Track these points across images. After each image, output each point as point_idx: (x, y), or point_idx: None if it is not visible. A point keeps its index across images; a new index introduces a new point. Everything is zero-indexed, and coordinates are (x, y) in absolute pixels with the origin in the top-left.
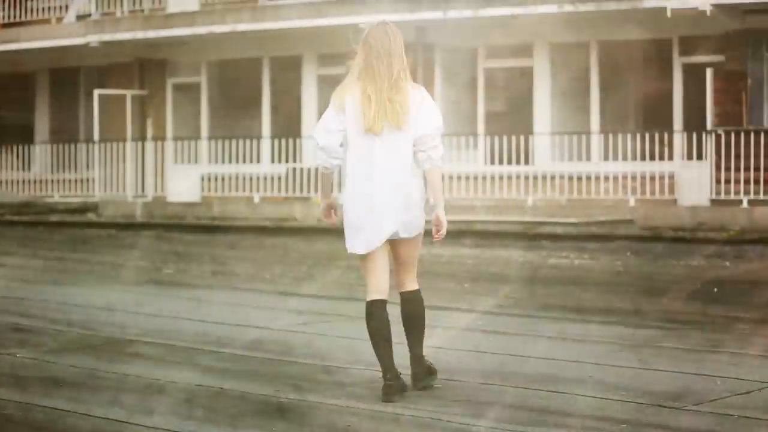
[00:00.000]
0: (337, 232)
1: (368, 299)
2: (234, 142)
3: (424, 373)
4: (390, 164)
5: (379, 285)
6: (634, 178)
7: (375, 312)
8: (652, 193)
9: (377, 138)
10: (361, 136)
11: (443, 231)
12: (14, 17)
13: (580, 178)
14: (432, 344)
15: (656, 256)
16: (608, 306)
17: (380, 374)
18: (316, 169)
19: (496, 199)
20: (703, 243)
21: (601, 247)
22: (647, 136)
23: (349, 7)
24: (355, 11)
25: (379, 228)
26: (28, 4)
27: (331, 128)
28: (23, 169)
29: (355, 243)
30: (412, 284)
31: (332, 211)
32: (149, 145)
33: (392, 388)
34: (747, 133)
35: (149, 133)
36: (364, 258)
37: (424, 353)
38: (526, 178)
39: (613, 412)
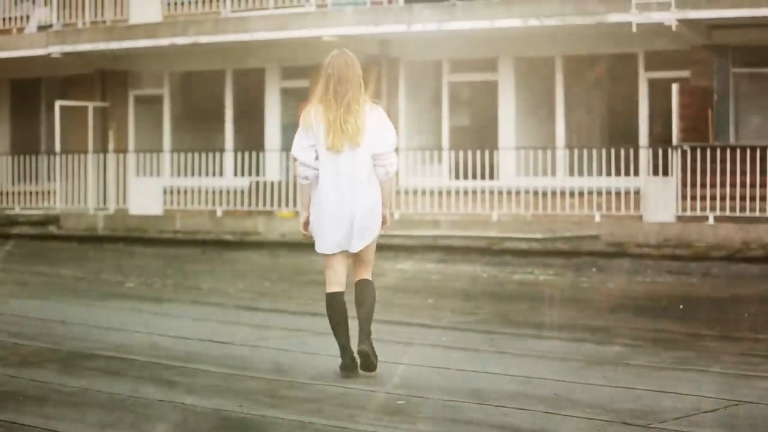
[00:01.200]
0: (300, 246)
1: (328, 291)
2: (197, 154)
3: (370, 352)
4: (351, 177)
5: (338, 279)
6: (599, 193)
7: (334, 301)
8: (618, 208)
9: (340, 155)
10: (326, 152)
11: (388, 224)
12: None
13: (545, 194)
14: (394, 360)
15: (622, 273)
16: (573, 322)
17: (341, 390)
18: (279, 183)
19: (461, 214)
20: (669, 259)
21: (566, 263)
22: (613, 151)
23: (312, 20)
24: (319, 24)
25: (343, 236)
26: None
27: (304, 145)
28: None
29: (324, 245)
30: (368, 274)
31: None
32: (111, 158)
33: (349, 366)
34: (713, 149)
35: (111, 145)
36: (327, 257)
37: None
38: (491, 192)
39: (577, 430)
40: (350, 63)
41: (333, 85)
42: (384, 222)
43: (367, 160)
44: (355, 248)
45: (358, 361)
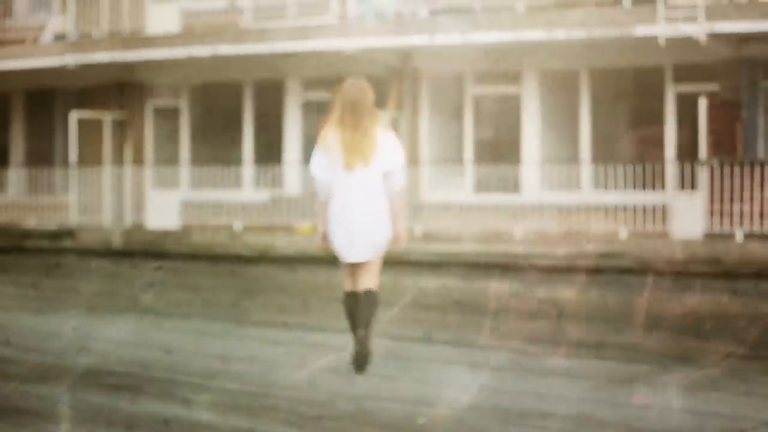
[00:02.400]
0: (319, 261)
1: (346, 291)
2: (215, 168)
3: (364, 353)
4: (364, 192)
5: (353, 282)
6: (625, 209)
7: (349, 299)
8: (644, 224)
9: (353, 172)
10: (342, 170)
11: (401, 243)
12: None
13: (570, 209)
14: (417, 377)
15: (648, 290)
16: (598, 340)
17: (359, 408)
18: (298, 198)
19: (484, 230)
20: (696, 276)
21: (591, 280)
22: (639, 166)
23: (334, 32)
24: (341, 36)
25: (355, 247)
26: (3, 23)
27: (323, 165)
28: None
29: (344, 254)
30: (372, 284)
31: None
32: (127, 170)
33: (360, 355)
34: (741, 164)
35: (127, 157)
36: (345, 264)
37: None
38: (515, 207)
39: None
40: (364, 90)
41: (348, 110)
42: (399, 238)
43: (378, 178)
44: (364, 257)
45: (355, 357)
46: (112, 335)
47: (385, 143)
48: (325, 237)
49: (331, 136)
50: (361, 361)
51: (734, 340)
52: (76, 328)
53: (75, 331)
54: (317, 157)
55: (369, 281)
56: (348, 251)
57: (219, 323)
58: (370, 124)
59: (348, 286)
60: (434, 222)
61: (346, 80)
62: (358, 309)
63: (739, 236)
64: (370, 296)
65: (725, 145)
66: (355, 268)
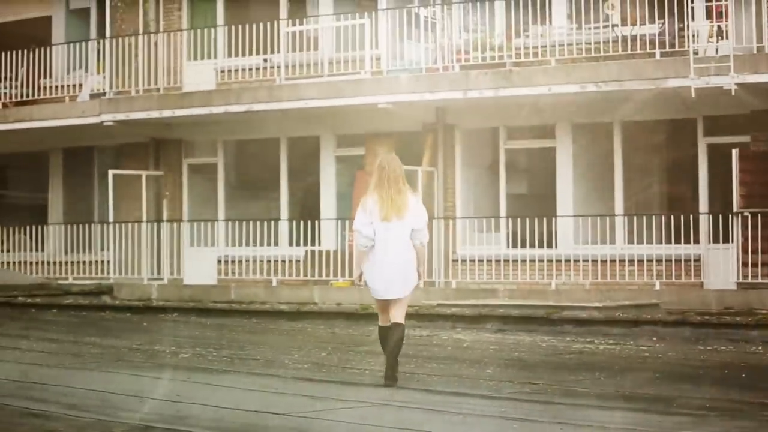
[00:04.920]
0: (356, 316)
1: (380, 325)
2: (251, 224)
3: (393, 374)
4: (397, 241)
5: (386, 317)
6: (659, 261)
7: (383, 330)
8: (678, 276)
9: (389, 224)
10: (380, 223)
11: (421, 280)
12: (27, 95)
13: (604, 262)
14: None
15: (682, 341)
16: (634, 392)
17: None
18: (335, 252)
19: (519, 283)
20: (731, 327)
21: (626, 332)
22: (672, 218)
23: (368, 87)
24: (375, 91)
25: (390, 287)
26: (41, 82)
27: (365, 221)
28: (37, 249)
29: (376, 292)
30: (400, 319)
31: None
32: (165, 227)
33: (390, 377)
34: None
35: (165, 214)
36: (378, 300)
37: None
38: (549, 261)
39: None
40: (397, 161)
41: (386, 175)
42: (418, 277)
43: (408, 231)
44: (397, 295)
45: (386, 376)
46: (150, 391)
47: (414, 204)
48: (361, 277)
49: (370, 198)
50: (390, 380)
51: None
52: (116, 383)
53: (115, 387)
54: (360, 216)
55: (398, 316)
56: (384, 290)
57: (257, 378)
58: (403, 187)
59: (381, 321)
60: (469, 276)
61: (383, 154)
62: (390, 339)
63: None
64: (399, 329)
65: (757, 196)
66: (387, 304)
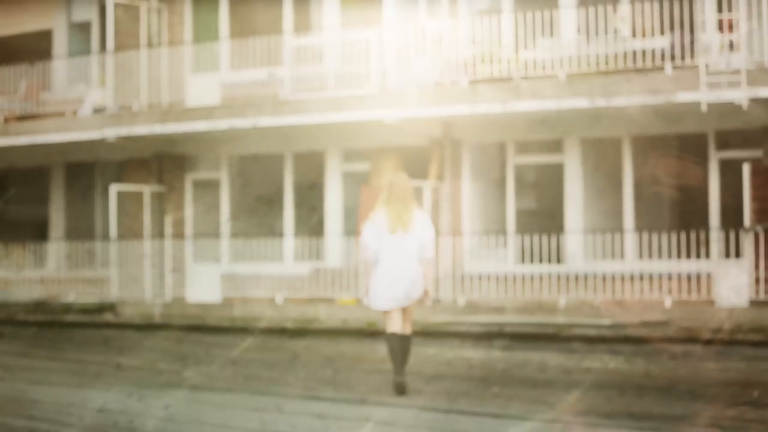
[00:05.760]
0: (361, 334)
1: (388, 332)
2: (256, 240)
3: (403, 382)
4: (403, 253)
5: (394, 324)
6: (669, 277)
7: (391, 338)
8: (689, 293)
9: (395, 237)
10: (387, 236)
11: (429, 299)
12: (29, 110)
13: (613, 278)
14: None
15: (694, 359)
16: (645, 411)
17: None
18: (339, 269)
19: (527, 300)
20: (743, 345)
21: (636, 350)
22: (683, 234)
23: (374, 102)
24: (381, 106)
25: (395, 296)
26: (43, 97)
27: (373, 235)
28: (37, 266)
29: (384, 303)
30: (407, 329)
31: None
32: (168, 243)
33: (400, 385)
34: None
35: (168, 230)
36: (385, 311)
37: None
38: (558, 277)
39: None
40: (406, 181)
41: (395, 193)
42: (426, 294)
43: (415, 245)
44: (403, 304)
45: (395, 384)
46: (153, 409)
47: (421, 221)
48: (367, 291)
49: (380, 213)
50: (399, 387)
51: None
52: (118, 402)
53: (116, 406)
54: (368, 230)
55: (406, 326)
56: (391, 298)
57: (261, 397)
58: (411, 203)
59: (389, 329)
60: (477, 293)
61: (394, 175)
62: (397, 346)
63: None
64: (406, 338)
65: None
66: (394, 313)
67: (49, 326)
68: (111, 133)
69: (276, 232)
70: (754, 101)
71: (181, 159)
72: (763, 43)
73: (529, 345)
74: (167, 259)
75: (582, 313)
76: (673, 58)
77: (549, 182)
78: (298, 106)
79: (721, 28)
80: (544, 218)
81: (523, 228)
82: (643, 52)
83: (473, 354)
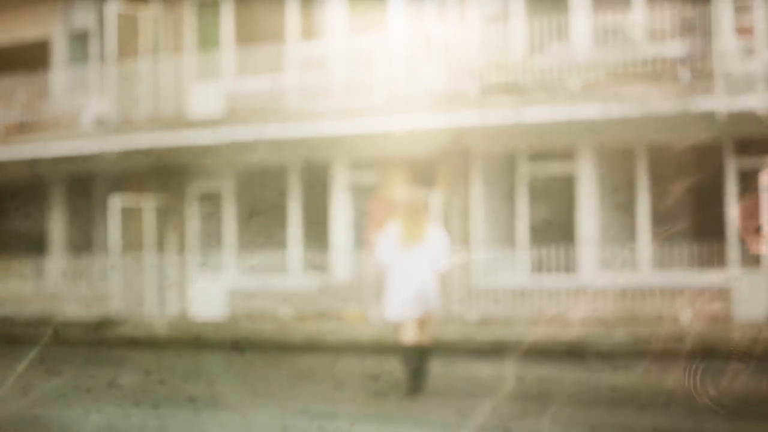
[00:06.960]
0: (370, 348)
1: (404, 345)
2: (261, 254)
3: (419, 385)
4: (417, 264)
5: (409, 336)
6: (685, 289)
7: (407, 348)
8: (705, 305)
9: (409, 248)
10: (401, 248)
11: (439, 307)
12: (28, 121)
13: (628, 290)
14: None
15: (711, 373)
16: (660, 426)
17: None
18: (347, 283)
19: (540, 312)
20: (762, 358)
21: (652, 364)
22: (699, 245)
23: (381, 111)
24: (388, 115)
25: (409, 308)
26: (43, 108)
27: (387, 248)
28: (36, 281)
29: (393, 315)
30: (426, 339)
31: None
32: (170, 257)
33: (412, 388)
34: None
35: (170, 243)
36: (400, 323)
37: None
38: (572, 289)
39: None
40: (420, 197)
41: (410, 207)
42: (438, 304)
43: (428, 256)
44: (418, 315)
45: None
46: (157, 427)
47: (436, 235)
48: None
49: (393, 225)
50: (412, 389)
51: None
52: (122, 419)
53: (120, 423)
54: (383, 243)
55: (423, 336)
56: (405, 310)
57: (267, 413)
58: (424, 218)
59: (405, 340)
60: (488, 306)
61: (408, 191)
62: (411, 357)
63: None
64: (422, 349)
65: None
66: (410, 324)
67: (48, 343)
68: (112, 145)
69: (282, 245)
70: None
71: (184, 171)
72: None
73: (541, 359)
74: (169, 273)
75: (596, 326)
76: (689, 64)
77: (561, 192)
78: (304, 116)
79: (738, 33)
80: (556, 229)
81: (535, 239)
82: (659, 59)
83: (483, 369)
